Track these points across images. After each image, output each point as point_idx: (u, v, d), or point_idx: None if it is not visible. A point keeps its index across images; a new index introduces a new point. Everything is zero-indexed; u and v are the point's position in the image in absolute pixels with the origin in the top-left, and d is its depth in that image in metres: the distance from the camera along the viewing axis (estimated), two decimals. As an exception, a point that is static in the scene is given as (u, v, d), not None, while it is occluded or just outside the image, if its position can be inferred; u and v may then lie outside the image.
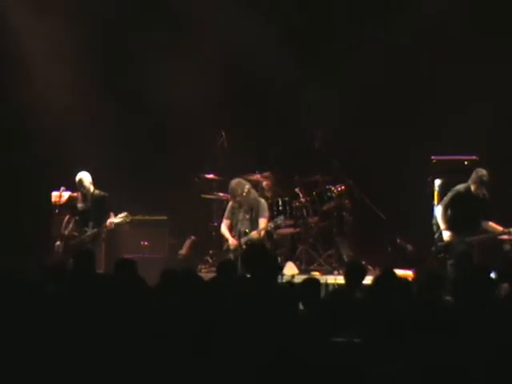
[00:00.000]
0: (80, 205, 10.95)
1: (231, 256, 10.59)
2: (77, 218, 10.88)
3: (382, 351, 4.89)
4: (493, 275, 6.12)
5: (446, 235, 9.95)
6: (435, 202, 10.36)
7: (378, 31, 12.24)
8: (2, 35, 12.59)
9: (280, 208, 12.00)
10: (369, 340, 5.03)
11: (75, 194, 11.16)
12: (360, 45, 12.27)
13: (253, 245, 9.75)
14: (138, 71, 12.75)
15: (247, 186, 10.76)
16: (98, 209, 10.77)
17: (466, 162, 10.35)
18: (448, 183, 10.34)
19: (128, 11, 12.61)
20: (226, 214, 10.96)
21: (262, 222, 10.63)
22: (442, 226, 10.00)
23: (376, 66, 12.19)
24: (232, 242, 10.68)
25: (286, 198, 12.04)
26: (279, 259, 11.64)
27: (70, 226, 10.88)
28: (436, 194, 10.42)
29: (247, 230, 10.70)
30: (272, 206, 11.89)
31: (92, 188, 10.85)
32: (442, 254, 9.97)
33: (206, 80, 12.56)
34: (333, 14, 12.43)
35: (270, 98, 12.72)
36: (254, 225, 10.65)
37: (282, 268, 10.44)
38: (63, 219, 11.07)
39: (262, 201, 10.83)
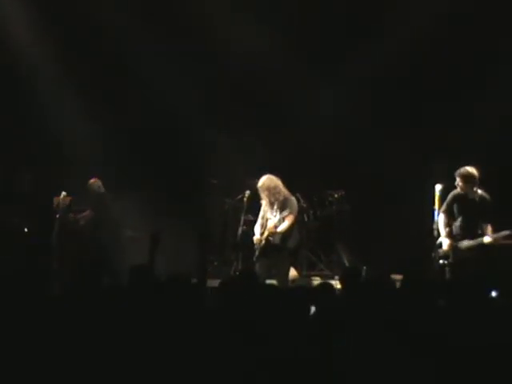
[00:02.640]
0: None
1: (257, 252, 10.39)
2: None
3: (376, 354, 4.90)
4: (494, 293, 6.08)
5: (446, 243, 9.94)
6: (436, 206, 10.34)
7: (381, 32, 12.22)
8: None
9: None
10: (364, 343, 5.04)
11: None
12: (361, 45, 12.26)
13: None
14: (138, 72, 12.73)
15: (276, 183, 10.38)
16: None
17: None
18: (449, 188, 10.36)
19: (126, 11, 12.58)
20: (261, 213, 10.62)
21: (288, 218, 10.24)
22: (442, 233, 10.01)
23: (377, 67, 12.18)
24: (256, 239, 10.42)
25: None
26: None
27: None
28: (437, 198, 10.40)
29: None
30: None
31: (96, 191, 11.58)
32: (442, 261, 10.01)
33: (206, 81, 12.57)
34: (333, 13, 12.39)
35: (269, 100, 12.70)
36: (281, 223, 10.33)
37: None
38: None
39: (292, 198, 10.46)
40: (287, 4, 12.50)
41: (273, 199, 10.34)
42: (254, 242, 10.43)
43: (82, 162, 12.33)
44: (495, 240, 9.68)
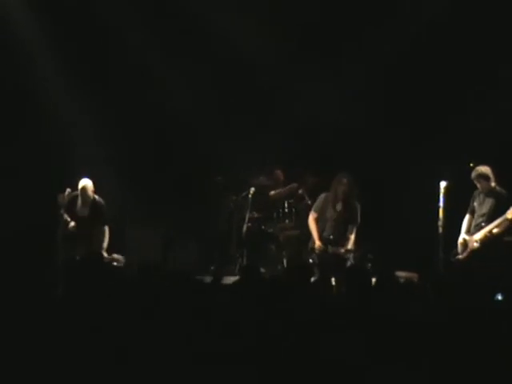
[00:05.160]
0: (79, 210, 11.20)
1: (315, 258, 10.22)
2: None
3: (381, 352, 4.91)
4: (499, 297, 6.11)
5: (460, 238, 10.20)
6: (441, 204, 10.40)
7: (380, 31, 12.18)
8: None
9: (286, 210, 12.02)
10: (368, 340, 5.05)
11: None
12: (362, 45, 12.23)
13: None
14: (138, 72, 12.73)
15: (349, 182, 10.22)
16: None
17: (471, 164, 10.38)
18: (453, 185, 10.42)
19: (128, 12, 12.56)
20: (316, 204, 10.46)
21: (352, 231, 10.18)
22: (462, 230, 10.24)
23: (377, 65, 12.17)
24: (318, 245, 10.20)
25: (291, 200, 12.03)
26: (284, 261, 11.67)
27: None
28: (441, 195, 10.44)
29: (331, 237, 10.28)
30: (278, 209, 11.94)
31: (92, 195, 11.17)
32: (454, 258, 10.15)
33: (206, 80, 12.58)
34: (333, 12, 12.37)
35: (271, 99, 12.68)
36: (340, 228, 10.27)
37: None
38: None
39: (357, 204, 10.32)
40: (287, 4, 12.48)
41: (338, 198, 10.14)
42: (316, 249, 10.24)
43: (86, 160, 12.32)
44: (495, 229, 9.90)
